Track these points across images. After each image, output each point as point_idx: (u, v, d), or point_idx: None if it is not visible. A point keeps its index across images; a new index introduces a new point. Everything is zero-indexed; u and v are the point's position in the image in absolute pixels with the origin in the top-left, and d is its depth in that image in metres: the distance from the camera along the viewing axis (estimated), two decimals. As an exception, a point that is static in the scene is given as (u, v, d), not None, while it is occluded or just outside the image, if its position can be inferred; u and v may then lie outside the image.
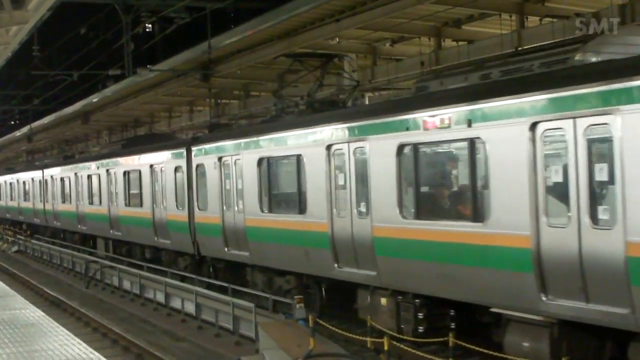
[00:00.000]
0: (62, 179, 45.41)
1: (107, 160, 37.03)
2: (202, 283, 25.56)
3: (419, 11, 25.70)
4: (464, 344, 14.98)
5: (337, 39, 29.26)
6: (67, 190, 44.37)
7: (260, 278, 23.37)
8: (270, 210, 22.32)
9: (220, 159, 24.70)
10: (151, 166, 30.89)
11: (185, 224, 27.41)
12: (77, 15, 56.54)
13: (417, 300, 16.56)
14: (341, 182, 18.80)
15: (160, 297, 26.61)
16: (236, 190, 23.81)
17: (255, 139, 22.83)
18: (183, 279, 27.14)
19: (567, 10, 24.66)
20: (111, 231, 36.18)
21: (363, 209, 17.98)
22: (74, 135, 73.08)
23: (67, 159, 51.17)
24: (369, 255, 17.62)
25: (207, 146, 26.00)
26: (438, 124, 15.57)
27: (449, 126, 15.29)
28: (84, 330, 23.40)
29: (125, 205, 34.18)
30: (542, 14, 25.71)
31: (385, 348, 15.69)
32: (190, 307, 24.14)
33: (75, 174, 42.13)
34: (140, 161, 32.52)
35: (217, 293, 23.13)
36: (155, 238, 30.74)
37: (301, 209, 20.50)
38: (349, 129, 18.44)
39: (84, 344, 15.88)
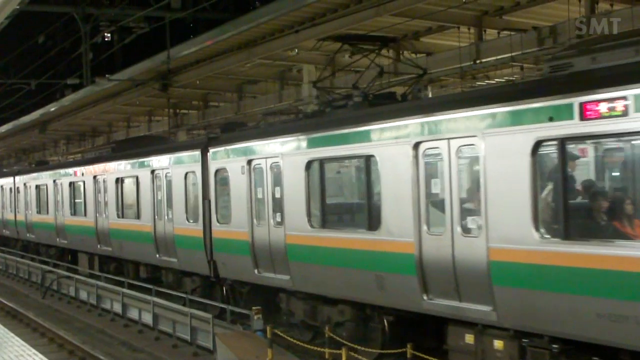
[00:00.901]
0: (37, 187, 40.19)
1: (95, 166, 31.95)
2: (214, 309, 21.90)
3: (377, 23, 25.52)
4: (423, 355, 14.22)
5: (296, 50, 29.25)
6: (43, 199, 39.07)
7: (300, 306, 18.97)
8: (323, 226, 17.67)
9: (249, 162, 20.18)
10: (153, 172, 26.13)
11: (199, 240, 22.74)
12: (36, 24, 55.97)
13: (554, 346, 12.55)
14: (435, 191, 14.55)
15: (118, 308, 25.54)
16: (272, 200, 19.36)
17: (302, 137, 18.24)
18: (184, 302, 23.09)
19: (525, 24, 24.56)
20: (99, 246, 31.14)
21: (472, 224, 13.78)
22: (31, 144, 72.54)
23: (41, 165, 46.26)
24: (482, 285, 13.45)
25: (231, 147, 21.33)
26: (605, 112, 11.52)
27: (624, 113, 11.29)
28: (40, 341, 22.48)
29: (118, 217, 29.29)
30: (500, 27, 25.77)
31: (343, 359, 15.63)
32: (147, 318, 23.29)
33: (54, 181, 37.08)
34: (138, 166, 27.69)
35: (176, 304, 22.23)
36: (157, 255, 25.87)
37: (371, 224, 16.09)
38: (450, 121, 14.15)
39: (40, 355, 15.81)
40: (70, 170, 35.21)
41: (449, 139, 14.10)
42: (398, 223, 15.21)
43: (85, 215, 32.60)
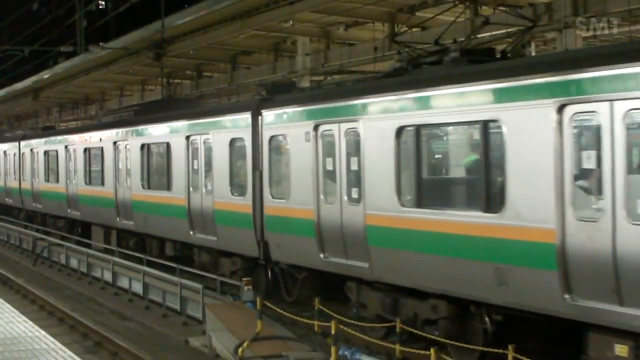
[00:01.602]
0: (46, 153, 36.71)
1: (115, 131, 28.66)
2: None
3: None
4: (411, 329, 14.39)
5: (291, 22, 29.17)
6: (53, 166, 35.66)
7: (376, 298, 15.93)
8: (419, 205, 14.56)
9: (316, 127, 17.17)
10: (188, 137, 22.96)
11: (247, 217, 19.79)
12: (30, -9, 55.89)
13: None
14: (587, 165, 11.51)
15: (108, 276, 25.50)
16: (346, 173, 16.46)
17: (391, 98, 15.19)
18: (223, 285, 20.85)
19: (521, 0, 24.80)
20: (118, 219, 28.02)
21: None
22: (23, 112, 72.39)
23: (48, 129, 43.25)
24: None
25: (291, 110, 18.44)
26: None
27: None
28: (30, 308, 22.25)
29: (143, 187, 26.09)
30: (496, 3, 25.81)
31: (333, 332, 15.43)
32: (137, 287, 23.24)
33: (66, 147, 33.65)
34: (170, 131, 24.54)
35: (166, 274, 22.16)
36: (191, 232, 22.77)
37: (490, 204, 13.01)
38: (614, 78, 11.02)
39: (30, 322, 15.75)
40: (86, 135, 32.00)
41: (611, 100, 11.00)
42: (531, 204, 12.26)
43: (102, 184, 29.49)
